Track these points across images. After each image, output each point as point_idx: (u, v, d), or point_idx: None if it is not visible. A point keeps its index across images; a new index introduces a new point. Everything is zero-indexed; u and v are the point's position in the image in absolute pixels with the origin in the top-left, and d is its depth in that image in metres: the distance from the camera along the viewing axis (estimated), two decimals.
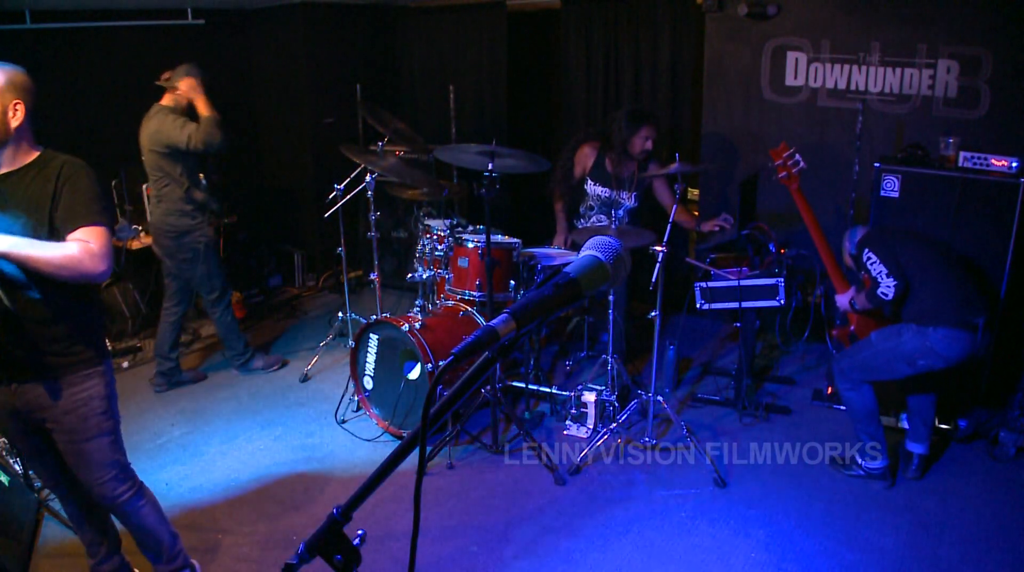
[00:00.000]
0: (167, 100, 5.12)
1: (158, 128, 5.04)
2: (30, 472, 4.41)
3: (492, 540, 3.92)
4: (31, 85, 2.83)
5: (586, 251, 1.38)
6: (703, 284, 4.84)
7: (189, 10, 6.75)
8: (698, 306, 4.86)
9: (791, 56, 5.71)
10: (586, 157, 5.47)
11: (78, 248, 2.72)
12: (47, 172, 2.82)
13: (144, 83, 5.24)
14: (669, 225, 4.49)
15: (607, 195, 5.42)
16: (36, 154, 2.87)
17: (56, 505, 4.28)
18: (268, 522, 4.14)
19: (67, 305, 2.93)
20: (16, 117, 2.78)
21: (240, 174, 7.39)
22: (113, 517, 3.52)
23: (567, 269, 1.33)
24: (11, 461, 4.49)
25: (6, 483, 4.13)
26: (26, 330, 2.87)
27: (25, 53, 5.70)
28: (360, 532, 1.48)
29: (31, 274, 2.79)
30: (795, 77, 5.74)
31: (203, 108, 5.04)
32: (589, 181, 5.47)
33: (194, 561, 3.61)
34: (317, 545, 1.42)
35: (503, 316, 1.25)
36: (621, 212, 5.38)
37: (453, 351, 1.22)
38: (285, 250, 7.70)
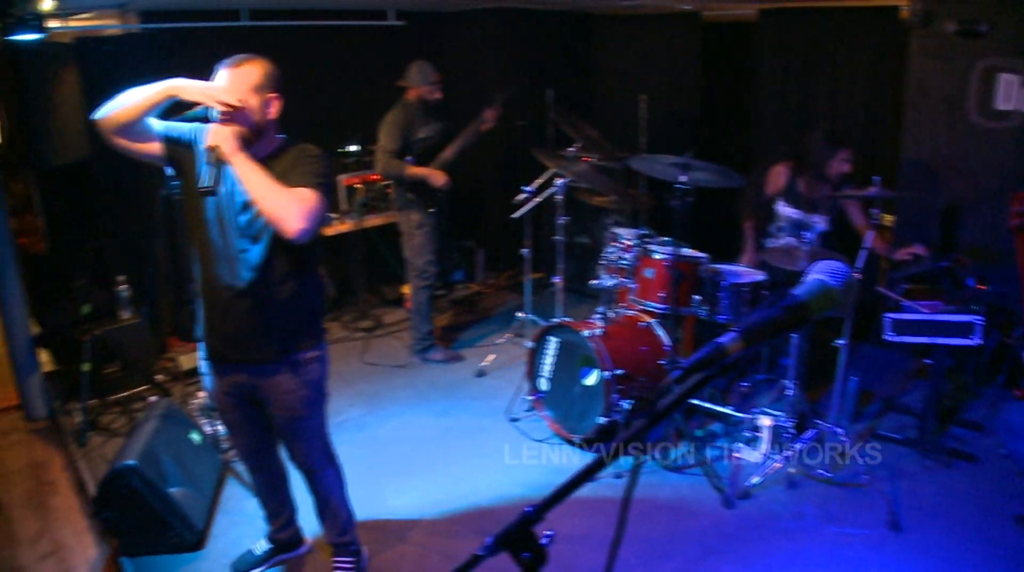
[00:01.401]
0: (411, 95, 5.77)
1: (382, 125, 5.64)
2: (219, 433, 4.75)
3: (653, 556, 3.91)
4: (280, 77, 3.05)
5: (815, 275, 1.37)
6: (893, 315, 4.64)
7: (390, 12, 7.03)
8: (886, 338, 4.67)
9: (1003, 78, 5.34)
10: (778, 177, 5.36)
11: (290, 193, 2.86)
12: (288, 156, 3.03)
13: (345, 80, 5.53)
14: (863, 251, 4.34)
15: (798, 217, 5.30)
16: (279, 141, 3.10)
17: (240, 467, 4.60)
18: (433, 509, 4.29)
19: (296, 289, 3.12)
20: (273, 110, 3.00)
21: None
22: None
23: (796, 292, 1.33)
24: (203, 423, 4.84)
25: (198, 441, 4.47)
26: (259, 312, 3.08)
27: (241, 49, 6.14)
28: (549, 532, 1.49)
29: (271, 255, 3.01)
30: (1007, 101, 5.38)
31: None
32: (780, 202, 5.36)
33: (364, 548, 3.79)
34: (506, 540, 1.44)
35: (731, 334, 1.26)
36: (811, 235, 5.24)
37: (682, 364, 1.24)
38: (468, 246, 7.92)
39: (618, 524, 1.44)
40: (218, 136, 2.84)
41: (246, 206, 2.98)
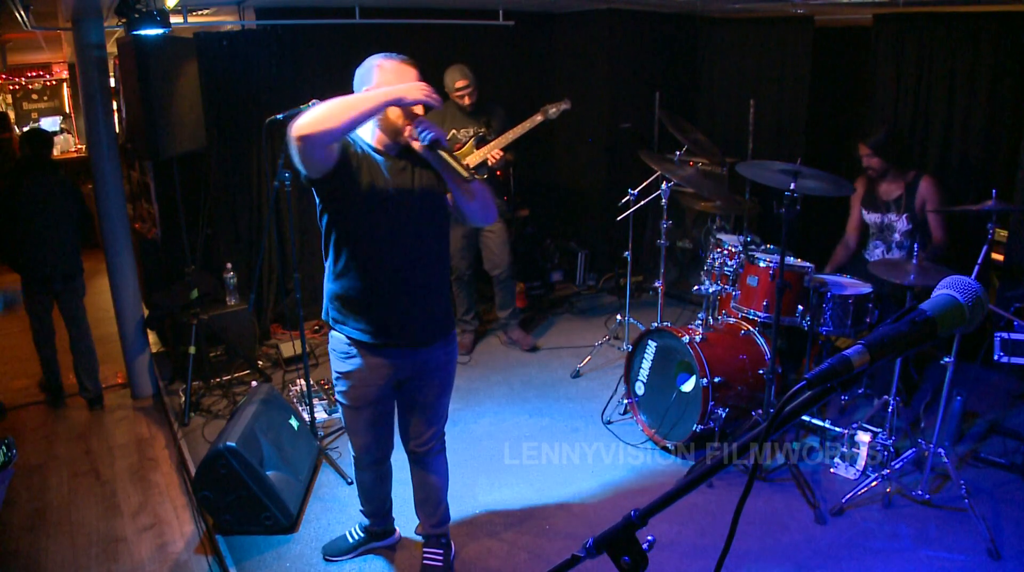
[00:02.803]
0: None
1: None
2: (316, 421, 4.86)
3: (742, 567, 3.82)
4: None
5: (944, 290, 1.34)
6: (1004, 334, 4.45)
7: (501, 12, 7.07)
8: (995, 358, 4.48)
9: None
10: (860, 184, 5.44)
11: (484, 187, 3.11)
12: None
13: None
14: (977, 267, 4.19)
15: (878, 221, 5.35)
16: None
17: (333, 454, 4.69)
18: (522, 505, 4.29)
19: (447, 272, 3.34)
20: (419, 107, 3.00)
21: (533, 171, 7.68)
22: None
23: (924, 306, 1.29)
24: (301, 410, 4.95)
25: (296, 427, 4.57)
26: (433, 296, 3.21)
27: (355, 44, 6.32)
28: (650, 538, 1.47)
29: (436, 242, 3.18)
30: None
31: None
32: (864, 209, 5.44)
33: (453, 543, 3.83)
34: (607, 543, 1.43)
35: (857, 347, 1.24)
36: (897, 236, 5.19)
37: (806, 376, 1.22)
38: (569, 248, 7.92)
39: (728, 535, 1.42)
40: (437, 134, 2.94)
41: (429, 196, 3.11)
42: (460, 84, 5.73)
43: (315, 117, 2.67)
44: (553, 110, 5.58)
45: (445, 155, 2.90)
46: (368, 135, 3.04)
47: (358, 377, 3.27)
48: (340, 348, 3.25)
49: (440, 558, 3.67)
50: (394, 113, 2.91)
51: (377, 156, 3.01)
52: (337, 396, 3.41)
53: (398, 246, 3.06)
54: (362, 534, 3.86)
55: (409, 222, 3.05)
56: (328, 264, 3.18)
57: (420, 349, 3.25)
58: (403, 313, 3.15)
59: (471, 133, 5.79)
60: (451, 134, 5.76)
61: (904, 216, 5.24)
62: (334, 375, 3.35)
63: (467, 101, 5.77)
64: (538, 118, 5.58)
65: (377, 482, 3.70)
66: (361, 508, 3.84)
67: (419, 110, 2.96)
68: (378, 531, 3.88)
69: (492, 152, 5.63)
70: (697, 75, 7.93)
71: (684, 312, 6.97)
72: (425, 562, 3.68)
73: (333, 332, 3.27)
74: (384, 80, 2.93)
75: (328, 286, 3.22)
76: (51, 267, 5.42)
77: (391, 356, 3.22)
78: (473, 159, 5.63)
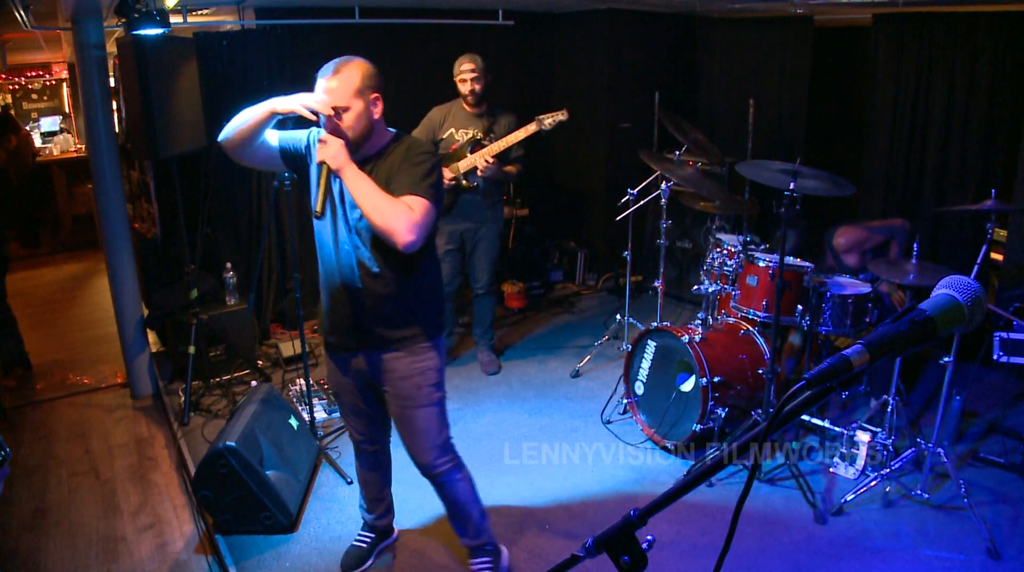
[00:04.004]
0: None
1: None
2: (316, 421, 4.86)
3: (742, 567, 3.82)
4: (379, 73, 3.06)
5: (943, 290, 1.33)
6: (1004, 334, 4.46)
7: (500, 11, 7.07)
8: (995, 357, 4.48)
9: None
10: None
11: (398, 205, 2.88)
12: (397, 153, 3.05)
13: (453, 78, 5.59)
14: (976, 266, 4.19)
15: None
16: (389, 135, 3.13)
17: (333, 454, 4.69)
18: (521, 505, 4.29)
19: (407, 285, 3.16)
20: (377, 110, 3.04)
21: (533, 169, 7.67)
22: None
23: (923, 306, 1.29)
24: (300, 409, 4.95)
25: (295, 427, 4.57)
26: (371, 305, 3.15)
27: (354, 44, 6.29)
28: (649, 537, 1.47)
29: (377, 253, 3.07)
30: None
31: None
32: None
33: (501, 545, 3.77)
34: (607, 543, 1.43)
35: (857, 347, 1.24)
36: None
37: (805, 376, 1.23)
38: (569, 247, 7.93)
39: (728, 534, 1.42)
40: (326, 151, 2.90)
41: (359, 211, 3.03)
42: (465, 67, 5.47)
43: (229, 125, 3.01)
44: (549, 120, 5.35)
45: (322, 178, 2.92)
46: None
47: (331, 366, 3.48)
48: None
49: (488, 564, 3.63)
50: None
51: None
52: None
53: (335, 248, 3.14)
54: (371, 535, 3.86)
55: (344, 227, 3.09)
56: None
57: (370, 352, 3.26)
58: (343, 316, 3.22)
59: (469, 135, 5.56)
60: (449, 133, 5.57)
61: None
62: None
63: (468, 87, 5.48)
64: (532, 127, 5.38)
65: (370, 468, 3.73)
66: (361, 503, 3.85)
67: (327, 126, 2.99)
68: (381, 527, 3.87)
69: (481, 159, 5.38)
70: (696, 75, 7.93)
71: (684, 312, 6.98)
72: (473, 569, 3.65)
73: None
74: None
75: None
76: None
77: (341, 358, 3.38)
78: (464, 164, 5.45)
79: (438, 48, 6.63)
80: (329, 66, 2.96)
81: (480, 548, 3.63)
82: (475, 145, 5.49)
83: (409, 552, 3.92)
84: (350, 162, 2.90)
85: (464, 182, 5.49)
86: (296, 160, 3.20)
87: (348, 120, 2.95)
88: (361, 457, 3.72)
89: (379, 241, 3.00)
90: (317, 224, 3.15)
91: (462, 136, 5.56)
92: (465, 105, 5.57)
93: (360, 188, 2.86)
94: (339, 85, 2.93)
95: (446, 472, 3.43)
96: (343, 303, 3.19)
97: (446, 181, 5.39)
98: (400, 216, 2.83)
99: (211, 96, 5.83)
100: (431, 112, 5.62)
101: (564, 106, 5.46)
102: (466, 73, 5.47)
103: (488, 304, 6.03)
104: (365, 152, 3.03)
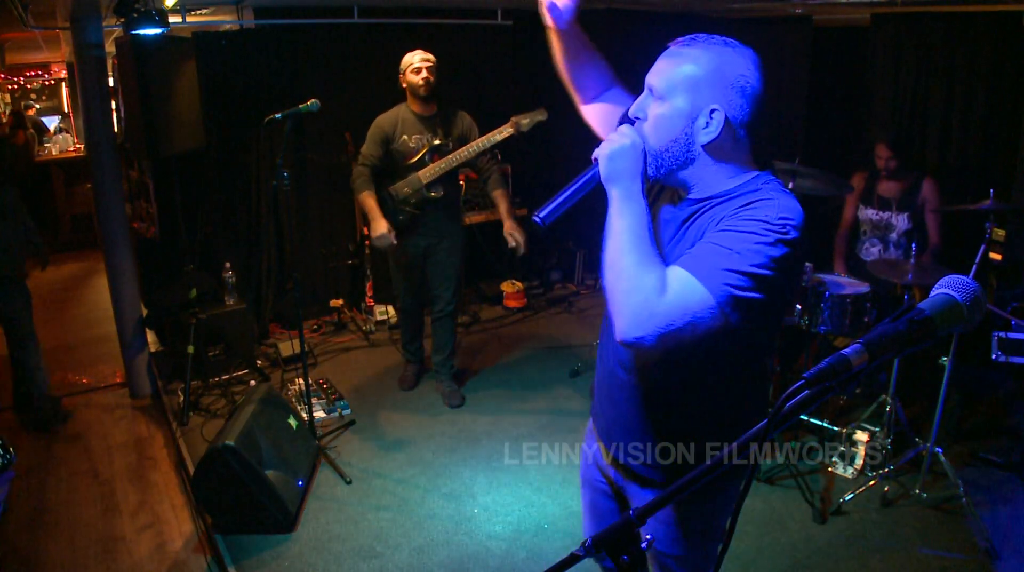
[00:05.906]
0: None
1: None
2: (315, 420, 4.86)
3: (739, 566, 3.83)
4: None
5: (940, 289, 1.33)
6: (1002, 333, 4.46)
7: (499, 11, 7.06)
8: (993, 357, 4.48)
9: None
10: (859, 181, 5.45)
11: (654, 276, 1.80)
12: (731, 204, 1.94)
13: (453, 79, 5.57)
14: (975, 266, 4.20)
15: (875, 217, 5.36)
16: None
17: (332, 454, 4.72)
18: (521, 506, 4.29)
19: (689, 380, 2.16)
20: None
21: (533, 169, 7.67)
22: None
23: (922, 305, 1.29)
24: (299, 409, 4.95)
25: (294, 427, 4.57)
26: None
27: (353, 44, 6.35)
28: (648, 536, 1.47)
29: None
30: None
31: None
32: (860, 205, 5.44)
33: None
34: (606, 542, 1.42)
35: (856, 346, 1.24)
36: (895, 235, 5.19)
37: (804, 375, 1.22)
38: (568, 247, 7.93)
39: (728, 532, 1.43)
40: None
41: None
42: (419, 56, 4.96)
43: None
44: (525, 121, 4.89)
45: None
46: None
47: None
48: None
49: None
50: None
51: None
52: None
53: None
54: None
55: None
56: None
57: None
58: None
59: (424, 142, 5.01)
60: (401, 140, 5.00)
61: (905, 215, 5.25)
62: None
63: (423, 77, 4.92)
64: (507, 129, 4.91)
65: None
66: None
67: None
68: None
69: (511, 238, 5.18)
70: None
71: None
72: None
73: None
74: None
75: None
76: None
77: None
78: (425, 173, 4.99)
79: (437, 48, 6.60)
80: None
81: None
82: (435, 151, 5.02)
83: (410, 551, 3.92)
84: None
85: (432, 194, 5.05)
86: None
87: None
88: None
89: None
90: None
91: (417, 143, 5.01)
92: (415, 106, 5.02)
93: (618, 224, 1.92)
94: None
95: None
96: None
97: (378, 240, 4.97)
98: (636, 295, 1.76)
99: (210, 96, 5.83)
100: (376, 121, 5.04)
101: (564, 106, 5.38)
102: (421, 62, 4.93)
103: (448, 327, 5.50)
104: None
